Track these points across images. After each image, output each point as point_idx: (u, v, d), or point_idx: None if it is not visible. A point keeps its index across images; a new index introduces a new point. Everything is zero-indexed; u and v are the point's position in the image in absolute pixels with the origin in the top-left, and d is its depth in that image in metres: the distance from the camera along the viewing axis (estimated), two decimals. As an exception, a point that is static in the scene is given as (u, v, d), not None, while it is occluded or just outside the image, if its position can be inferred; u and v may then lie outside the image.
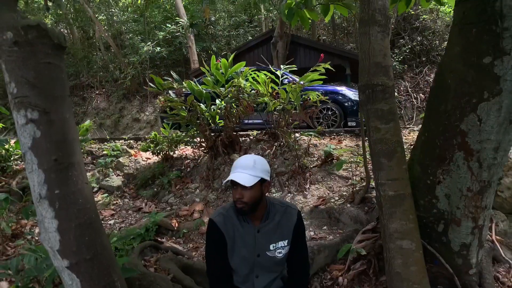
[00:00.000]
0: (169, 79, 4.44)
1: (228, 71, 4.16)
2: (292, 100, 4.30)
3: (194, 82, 4.53)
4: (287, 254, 1.90)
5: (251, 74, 4.40)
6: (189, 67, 16.96)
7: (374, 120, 2.54)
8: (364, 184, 3.58)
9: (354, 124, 6.67)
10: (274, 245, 1.86)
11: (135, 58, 16.14)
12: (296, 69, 4.77)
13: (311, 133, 4.12)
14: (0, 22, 1.42)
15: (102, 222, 3.81)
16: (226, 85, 4.34)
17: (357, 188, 3.29)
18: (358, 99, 7.34)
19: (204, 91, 4.35)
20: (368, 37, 2.59)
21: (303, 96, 4.48)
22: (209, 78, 4.28)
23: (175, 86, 4.15)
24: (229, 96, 4.12)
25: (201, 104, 4.40)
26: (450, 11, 15.60)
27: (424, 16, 15.47)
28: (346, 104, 6.73)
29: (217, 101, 4.53)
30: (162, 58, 17.30)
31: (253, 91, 4.51)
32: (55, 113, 1.44)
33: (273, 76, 4.72)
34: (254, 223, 1.84)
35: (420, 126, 2.65)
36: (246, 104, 4.00)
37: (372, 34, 2.58)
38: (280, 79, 4.66)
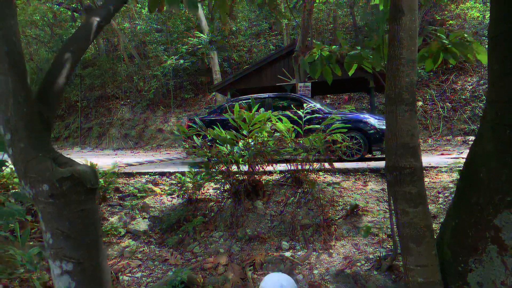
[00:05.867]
0: (194, 125, 4.50)
1: (252, 121, 4.19)
2: (316, 145, 4.27)
3: (211, 118, 4.58)
4: None
5: (274, 118, 4.42)
6: (211, 76, 17.14)
7: (402, 203, 2.49)
8: (390, 242, 3.53)
9: (379, 153, 6.55)
10: None
11: (159, 72, 16.44)
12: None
13: (336, 185, 4.08)
14: (37, 173, 1.46)
15: (130, 275, 3.91)
16: (250, 131, 4.38)
17: (384, 254, 3.23)
18: (383, 127, 7.15)
19: (228, 137, 4.40)
20: (395, 116, 2.54)
21: (327, 137, 4.45)
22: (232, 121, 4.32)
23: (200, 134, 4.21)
24: (251, 149, 4.14)
25: (224, 149, 4.44)
26: (478, 15, 14.97)
27: (450, 21, 14.92)
28: (370, 132, 6.60)
29: (240, 143, 4.56)
30: (184, 69, 17.54)
31: (276, 133, 4.52)
32: (88, 261, 1.49)
33: (295, 117, 4.72)
34: None
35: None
36: (270, 157, 4.02)
37: (399, 113, 2.53)
38: (304, 117, 4.64)
